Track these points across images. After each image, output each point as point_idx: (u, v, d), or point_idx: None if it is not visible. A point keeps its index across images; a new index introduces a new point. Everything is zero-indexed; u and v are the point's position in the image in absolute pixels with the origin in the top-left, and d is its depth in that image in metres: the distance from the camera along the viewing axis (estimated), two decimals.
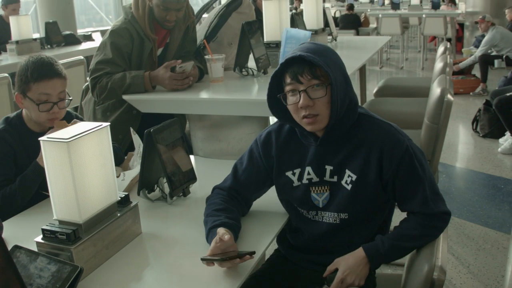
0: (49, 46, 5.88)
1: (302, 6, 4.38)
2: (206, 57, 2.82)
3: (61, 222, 1.56)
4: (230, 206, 1.78)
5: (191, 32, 3.00)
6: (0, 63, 4.96)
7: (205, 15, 3.44)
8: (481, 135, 5.84)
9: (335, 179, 1.74)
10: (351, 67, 3.23)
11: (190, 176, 2.09)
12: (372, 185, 1.70)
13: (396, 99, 4.36)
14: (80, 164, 1.50)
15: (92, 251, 1.55)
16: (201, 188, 2.11)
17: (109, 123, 1.61)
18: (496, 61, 7.54)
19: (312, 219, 1.81)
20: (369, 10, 13.26)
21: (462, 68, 7.97)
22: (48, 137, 1.50)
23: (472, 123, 6.01)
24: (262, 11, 3.29)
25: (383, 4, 15.97)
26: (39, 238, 1.54)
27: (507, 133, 5.37)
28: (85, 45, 6.24)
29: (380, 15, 10.99)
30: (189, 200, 2.05)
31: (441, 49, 4.25)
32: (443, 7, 12.60)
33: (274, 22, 3.21)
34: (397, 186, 1.69)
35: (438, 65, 3.56)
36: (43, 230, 1.53)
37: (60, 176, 1.50)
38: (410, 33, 13.84)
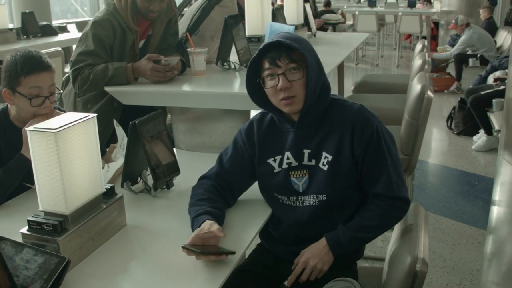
0: (25, 36, 5.78)
1: (281, 1, 4.40)
2: (189, 50, 2.82)
3: (46, 213, 1.54)
4: (214, 196, 1.83)
5: (173, 24, 2.99)
6: None
7: (186, 9, 3.42)
8: (455, 132, 5.93)
9: (313, 162, 1.80)
10: (331, 63, 3.26)
11: (174, 169, 2.09)
12: (347, 164, 1.77)
13: (374, 95, 4.41)
14: (67, 154, 1.49)
15: (79, 243, 1.54)
16: (184, 181, 2.11)
17: (95, 114, 1.60)
18: (470, 60, 7.66)
19: (293, 205, 1.85)
20: (345, 7, 13.33)
21: (436, 58, 8.09)
22: (35, 127, 1.48)
23: (447, 121, 6.11)
24: (243, 5, 3.30)
25: (359, 1, 16.09)
26: (24, 230, 1.53)
27: (481, 131, 5.47)
28: (62, 36, 6.15)
29: (356, 12, 11.07)
30: (173, 193, 2.05)
31: (419, 46, 4.31)
32: (418, 5, 12.76)
33: (256, 17, 3.22)
34: (364, 166, 1.77)
35: (417, 62, 3.61)
36: (28, 221, 1.52)
37: (46, 166, 1.49)
38: (385, 31, 13.96)
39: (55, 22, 7.97)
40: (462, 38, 7.88)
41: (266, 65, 1.74)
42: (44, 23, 6.19)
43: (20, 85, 2.02)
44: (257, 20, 3.21)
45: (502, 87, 5.23)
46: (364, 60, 11.43)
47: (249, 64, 1.80)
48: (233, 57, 3.01)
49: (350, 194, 1.82)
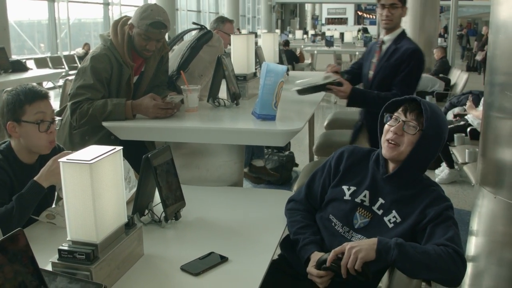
0: None
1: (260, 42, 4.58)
2: (183, 87, 2.92)
3: (75, 242, 1.60)
4: (311, 222, 2.08)
5: (164, 62, 3.10)
6: None
7: (175, 46, 3.54)
8: None
9: (380, 212, 1.96)
10: (312, 102, 3.41)
11: (181, 200, 2.17)
12: (408, 228, 1.90)
13: (346, 130, 4.58)
14: (99, 185, 1.56)
15: (107, 271, 1.60)
16: (189, 213, 2.18)
17: (121, 147, 1.68)
18: (427, 97, 8.01)
19: (342, 234, 1.98)
20: (302, 46, 13.73)
21: None
22: (68, 159, 1.55)
23: None
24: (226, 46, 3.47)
25: (314, 41, 16.57)
26: (54, 259, 1.58)
27: (443, 164, 5.71)
28: (32, 73, 6.15)
29: (315, 52, 11.43)
30: (181, 224, 2.12)
31: None
32: None
33: (242, 56, 3.36)
34: (427, 232, 1.86)
35: None
36: (59, 250, 1.57)
37: (79, 197, 1.55)
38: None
39: (13, 58, 7.94)
40: None
41: (400, 109, 1.96)
42: (15, 58, 6.18)
43: (25, 113, 2.12)
44: (243, 59, 3.35)
45: (462, 123, 5.52)
46: (324, 98, 11.69)
47: (391, 102, 2.02)
48: (221, 94, 3.14)
49: None
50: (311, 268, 1.86)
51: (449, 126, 5.41)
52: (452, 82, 8.71)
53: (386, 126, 1.99)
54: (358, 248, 1.74)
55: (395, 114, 1.97)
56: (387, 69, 3.19)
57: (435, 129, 1.91)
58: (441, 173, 5.72)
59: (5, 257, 1.24)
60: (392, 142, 1.93)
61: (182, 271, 1.72)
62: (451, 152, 5.30)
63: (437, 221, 1.85)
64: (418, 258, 1.72)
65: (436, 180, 5.67)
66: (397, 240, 1.75)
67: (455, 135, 5.20)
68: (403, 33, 3.26)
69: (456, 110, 6.32)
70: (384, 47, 3.27)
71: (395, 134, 1.92)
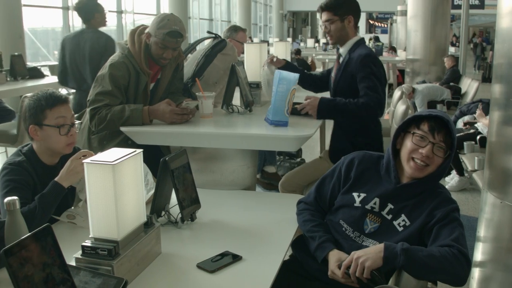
0: (13, 78, 5.90)
1: (272, 51, 4.67)
2: (198, 94, 3.02)
3: (97, 239, 1.68)
4: (322, 221, 2.16)
5: (180, 70, 3.20)
6: None
7: (189, 55, 3.64)
8: None
9: (389, 217, 2.03)
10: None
11: (196, 202, 2.26)
12: (416, 230, 1.97)
13: None
14: (121, 185, 1.65)
15: (127, 267, 1.69)
16: (204, 214, 2.27)
17: (142, 150, 1.77)
18: (438, 106, 8.07)
19: (353, 239, 2.05)
20: (314, 55, 13.81)
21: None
22: (92, 160, 1.64)
23: None
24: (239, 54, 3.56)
25: (326, 49, 16.64)
26: (78, 254, 1.67)
27: (453, 172, 5.76)
28: (49, 79, 6.28)
29: (327, 60, 11.50)
30: (196, 225, 2.20)
31: (398, 93, 4.61)
32: (385, 54, 13.33)
33: (255, 64, 3.45)
34: (433, 233, 1.94)
35: (401, 107, 3.87)
36: (83, 246, 1.66)
37: (102, 196, 1.64)
38: None
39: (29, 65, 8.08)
40: (417, 101, 8.31)
41: (425, 127, 1.98)
42: (32, 65, 6.32)
43: (46, 118, 2.23)
44: (255, 67, 3.44)
45: (471, 131, 5.57)
46: None
47: (413, 116, 2.05)
48: (235, 101, 3.23)
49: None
50: (335, 268, 1.92)
51: (459, 134, 5.52)
52: (462, 91, 8.75)
53: (410, 144, 2.00)
54: (365, 257, 1.83)
55: (420, 132, 1.99)
56: (346, 80, 3.10)
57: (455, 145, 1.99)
58: (451, 180, 5.76)
59: (37, 248, 1.33)
60: (420, 164, 1.98)
61: (198, 269, 1.80)
62: (461, 160, 5.35)
63: (443, 222, 1.92)
64: (424, 261, 1.80)
65: (446, 187, 5.70)
66: (403, 246, 1.82)
67: (465, 143, 5.25)
68: (358, 42, 3.15)
69: (466, 118, 6.37)
70: (341, 59, 3.20)
71: (426, 157, 1.96)
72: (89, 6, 4.60)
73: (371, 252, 1.84)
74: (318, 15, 3.24)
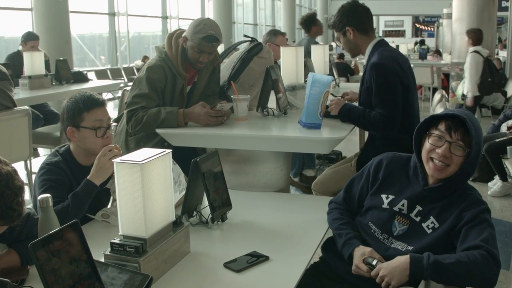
0: (58, 82, 6.06)
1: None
2: (233, 97, 3.05)
3: (125, 236, 1.72)
4: (351, 220, 2.15)
5: (216, 73, 3.24)
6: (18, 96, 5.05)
7: (225, 60, 3.68)
8: (471, 179, 6.08)
9: (418, 219, 2.01)
10: None
11: (227, 203, 2.28)
12: (445, 232, 1.95)
13: None
14: (149, 184, 1.69)
15: (154, 264, 1.72)
16: (235, 216, 2.28)
17: (171, 150, 1.81)
18: (483, 110, 7.90)
19: (382, 240, 2.04)
20: (357, 59, 13.71)
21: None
22: (121, 160, 1.69)
23: None
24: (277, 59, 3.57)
25: None
26: (107, 251, 1.71)
27: (496, 177, 5.63)
28: (92, 83, 6.43)
29: None
30: (227, 225, 2.22)
31: (438, 96, 4.55)
32: (429, 57, 13.12)
33: (291, 67, 3.46)
34: (462, 234, 1.91)
35: (439, 110, 3.82)
36: (111, 243, 1.70)
37: (131, 194, 1.68)
38: None
39: (74, 69, 8.32)
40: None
41: (442, 127, 1.95)
42: (76, 69, 6.49)
43: (84, 120, 2.28)
44: (292, 70, 3.46)
45: None
46: None
47: (430, 117, 2.03)
48: (270, 104, 3.24)
49: (437, 249, 1.93)
50: (360, 263, 1.93)
51: (502, 139, 5.39)
52: (508, 95, 8.53)
53: (428, 144, 1.99)
54: (390, 277, 1.83)
55: (437, 132, 1.96)
56: (364, 91, 3.03)
57: (479, 145, 1.94)
58: (494, 186, 5.63)
59: (63, 243, 1.38)
60: (439, 164, 1.95)
61: (225, 268, 1.82)
62: (504, 165, 5.23)
63: (472, 224, 1.89)
64: (452, 270, 1.78)
65: (489, 193, 5.59)
66: (429, 260, 1.80)
67: (508, 148, 5.12)
68: (375, 46, 3.05)
69: (510, 122, 6.20)
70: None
71: (443, 157, 1.94)
72: None
73: (396, 271, 1.83)
74: None
